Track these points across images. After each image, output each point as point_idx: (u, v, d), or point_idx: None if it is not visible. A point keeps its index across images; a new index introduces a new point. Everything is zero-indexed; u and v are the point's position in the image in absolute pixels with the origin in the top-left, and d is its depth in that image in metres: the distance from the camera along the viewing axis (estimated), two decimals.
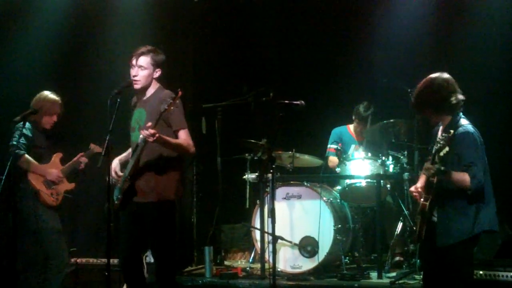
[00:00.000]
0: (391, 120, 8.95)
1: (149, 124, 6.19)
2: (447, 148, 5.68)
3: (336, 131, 9.73)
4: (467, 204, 5.89)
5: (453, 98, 6.00)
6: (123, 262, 6.58)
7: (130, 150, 6.72)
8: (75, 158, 8.10)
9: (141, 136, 6.32)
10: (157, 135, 6.16)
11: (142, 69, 6.58)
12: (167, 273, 6.58)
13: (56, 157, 8.01)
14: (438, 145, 5.72)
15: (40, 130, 7.93)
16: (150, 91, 6.68)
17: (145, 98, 6.69)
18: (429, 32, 9.80)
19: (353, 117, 9.57)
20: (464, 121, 6.02)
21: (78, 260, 8.64)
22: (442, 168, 5.71)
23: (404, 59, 9.86)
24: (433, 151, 5.82)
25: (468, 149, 5.86)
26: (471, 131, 5.95)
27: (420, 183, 6.23)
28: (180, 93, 6.33)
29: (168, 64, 6.77)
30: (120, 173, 6.59)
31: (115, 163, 6.68)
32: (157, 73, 6.67)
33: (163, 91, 6.62)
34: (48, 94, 8.01)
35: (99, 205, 8.33)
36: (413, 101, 6.19)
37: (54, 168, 7.92)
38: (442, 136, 5.74)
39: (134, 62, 6.60)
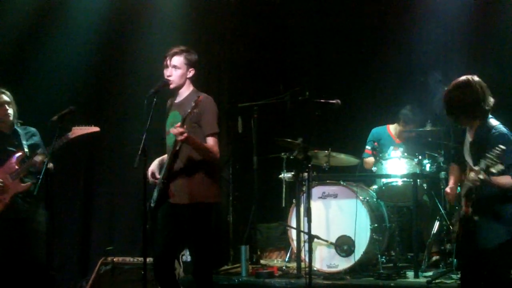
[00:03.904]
0: (428, 129, 8.95)
1: (178, 124, 6.21)
2: (501, 166, 5.57)
3: (374, 132, 9.70)
4: (509, 205, 5.86)
5: (486, 102, 5.93)
6: (156, 262, 6.60)
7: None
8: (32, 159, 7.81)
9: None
10: (185, 134, 6.17)
11: (176, 68, 6.59)
12: (204, 273, 6.59)
13: (14, 157, 7.73)
14: (488, 160, 5.57)
15: None
16: (184, 93, 6.69)
17: (179, 101, 6.70)
18: (468, 31, 9.69)
19: (400, 121, 9.52)
20: (494, 122, 5.94)
21: (114, 259, 8.68)
22: (487, 177, 5.64)
23: (441, 57, 9.80)
24: (483, 166, 5.67)
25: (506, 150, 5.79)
26: (505, 132, 5.87)
27: (452, 182, 6.22)
28: (201, 97, 6.33)
29: (205, 63, 6.78)
30: (158, 175, 6.63)
31: (155, 165, 6.72)
32: (191, 73, 6.66)
33: (198, 94, 6.57)
34: None
35: (136, 204, 8.38)
36: (444, 105, 6.10)
37: (6, 170, 7.71)
38: (495, 152, 5.59)
39: (168, 62, 6.61)
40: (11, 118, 7.85)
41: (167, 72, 6.61)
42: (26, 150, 7.77)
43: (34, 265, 7.54)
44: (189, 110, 6.24)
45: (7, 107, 7.82)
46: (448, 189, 6.28)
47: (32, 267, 7.55)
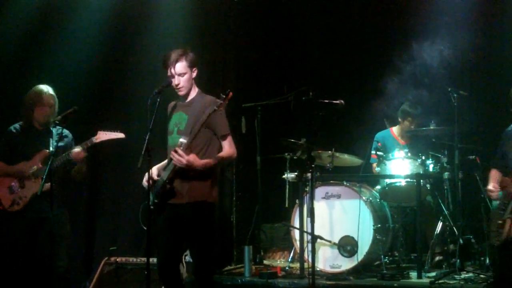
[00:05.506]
0: (431, 128, 8.94)
1: (181, 144, 6.31)
2: None
3: (378, 136, 9.68)
4: None
5: None
6: (161, 264, 6.60)
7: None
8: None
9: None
10: (184, 162, 6.28)
11: (182, 75, 6.55)
12: (205, 273, 6.59)
13: (39, 155, 7.62)
14: None
15: (27, 127, 7.77)
16: (191, 95, 6.67)
17: (185, 102, 6.69)
18: (474, 29, 9.68)
19: (401, 118, 9.53)
20: None
21: (118, 259, 8.67)
22: None
23: (446, 58, 9.78)
24: None
25: None
26: None
27: (495, 182, 6.90)
28: (230, 94, 6.33)
29: (209, 64, 6.75)
30: (156, 178, 6.60)
31: (154, 171, 6.68)
32: (195, 73, 6.65)
33: (205, 96, 6.62)
34: (37, 86, 7.78)
35: (140, 204, 8.37)
36: None
37: (30, 166, 7.60)
38: None
39: (172, 71, 6.55)
40: (46, 119, 7.71)
41: (175, 82, 6.55)
42: (51, 149, 7.51)
43: (53, 266, 7.46)
44: (215, 107, 6.27)
45: (48, 110, 7.69)
46: (491, 187, 6.90)
47: (50, 268, 7.47)
